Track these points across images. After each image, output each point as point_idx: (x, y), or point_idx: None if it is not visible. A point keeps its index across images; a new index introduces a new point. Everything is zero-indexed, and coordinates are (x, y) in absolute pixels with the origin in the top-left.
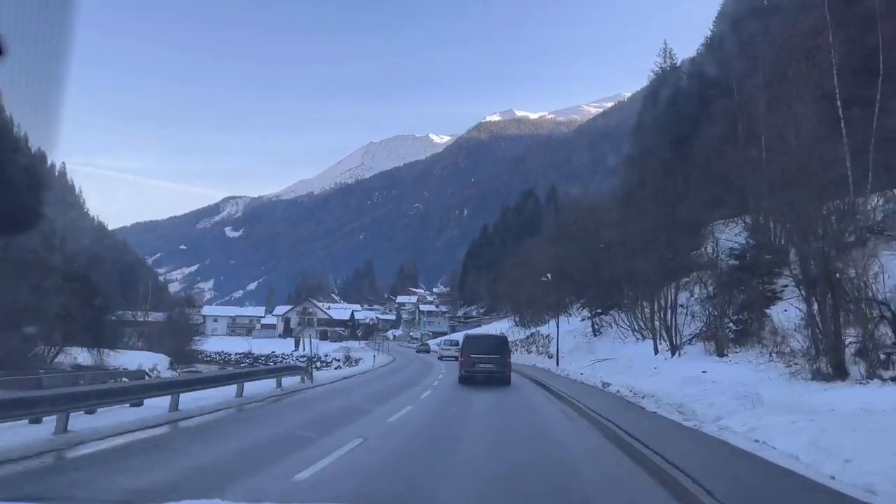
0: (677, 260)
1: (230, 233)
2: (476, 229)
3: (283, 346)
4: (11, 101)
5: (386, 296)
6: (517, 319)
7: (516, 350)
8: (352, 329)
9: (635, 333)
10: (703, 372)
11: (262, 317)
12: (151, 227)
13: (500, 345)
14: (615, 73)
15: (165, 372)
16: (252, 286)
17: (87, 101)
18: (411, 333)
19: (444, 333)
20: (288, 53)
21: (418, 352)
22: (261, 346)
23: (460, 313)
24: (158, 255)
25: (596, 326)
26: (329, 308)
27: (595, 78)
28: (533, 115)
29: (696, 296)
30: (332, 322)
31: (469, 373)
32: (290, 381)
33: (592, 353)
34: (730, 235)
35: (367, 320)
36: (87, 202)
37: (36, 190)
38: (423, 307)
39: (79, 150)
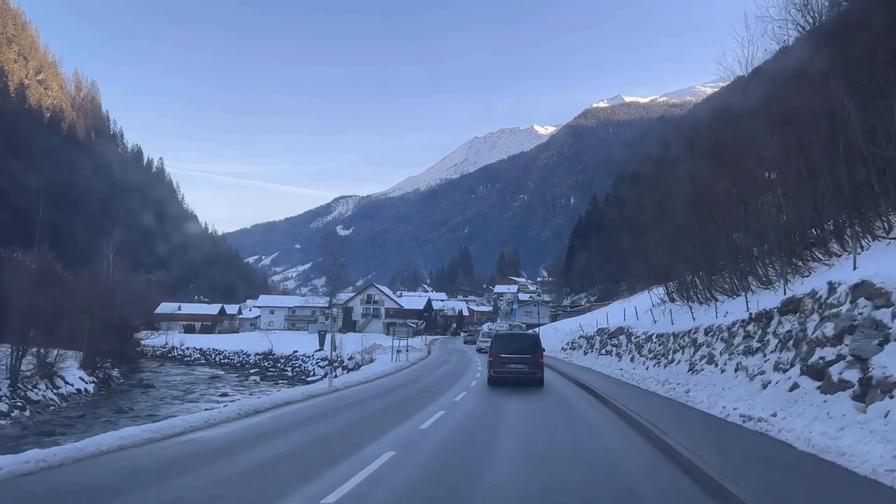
0: None
1: (341, 231)
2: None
3: (317, 344)
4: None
5: (484, 286)
6: (672, 289)
7: (682, 360)
8: (428, 321)
9: None
10: None
11: (326, 308)
12: (270, 228)
13: (531, 344)
14: (730, 52)
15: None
16: (360, 282)
17: (215, 117)
18: (497, 326)
19: (540, 325)
20: (396, 56)
21: (465, 342)
22: (285, 343)
23: (566, 302)
24: (276, 254)
25: None
26: (401, 296)
27: (708, 59)
28: (643, 100)
29: None
30: (402, 312)
31: (498, 373)
32: None
33: None
34: None
35: (450, 311)
36: (206, 205)
37: None
38: (522, 297)
39: (202, 159)
